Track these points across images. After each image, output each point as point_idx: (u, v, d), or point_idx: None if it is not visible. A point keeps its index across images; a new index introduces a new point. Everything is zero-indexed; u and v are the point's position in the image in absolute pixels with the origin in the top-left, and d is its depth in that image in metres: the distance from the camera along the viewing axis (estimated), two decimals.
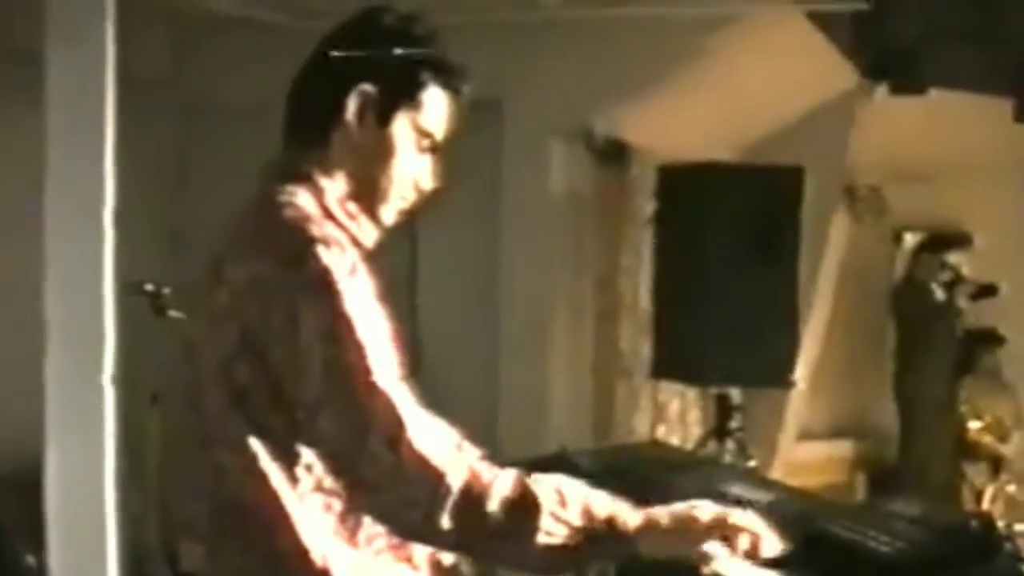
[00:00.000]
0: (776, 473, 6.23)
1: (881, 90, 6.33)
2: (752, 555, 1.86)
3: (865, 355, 7.90)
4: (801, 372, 5.71)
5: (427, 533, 1.83)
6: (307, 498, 1.88)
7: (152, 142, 5.25)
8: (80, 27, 3.22)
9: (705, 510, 1.87)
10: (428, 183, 2.03)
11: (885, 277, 8.02)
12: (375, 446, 1.78)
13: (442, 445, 1.80)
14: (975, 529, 2.22)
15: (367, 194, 1.99)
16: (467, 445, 1.84)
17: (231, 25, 5.37)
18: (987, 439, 7.43)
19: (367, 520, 1.90)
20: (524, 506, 1.80)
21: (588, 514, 1.83)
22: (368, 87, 1.95)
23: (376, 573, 1.93)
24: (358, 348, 1.79)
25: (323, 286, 1.80)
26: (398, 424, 1.78)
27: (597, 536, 1.83)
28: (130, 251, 3.32)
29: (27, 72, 3.31)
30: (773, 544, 1.88)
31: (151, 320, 4.24)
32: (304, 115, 2.01)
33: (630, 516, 1.85)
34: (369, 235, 2.00)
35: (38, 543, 3.41)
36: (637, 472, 2.59)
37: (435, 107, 1.99)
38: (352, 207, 1.98)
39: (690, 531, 1.85)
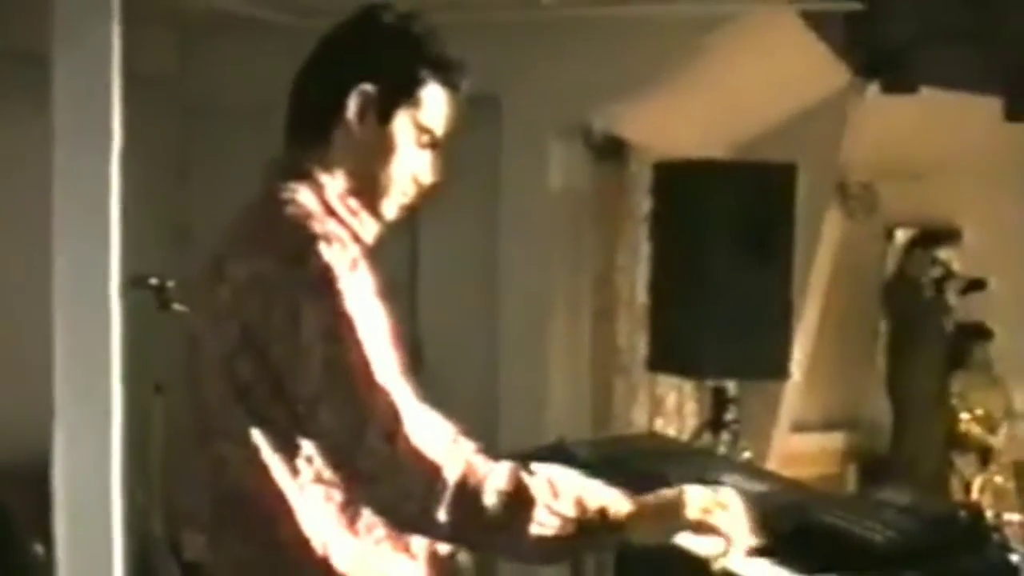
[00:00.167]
0: (770, 464, 6.25)
1: (873, 89, 6.32)
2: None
3: (857, 349, 7.90)
4: (795, 365, 5.74)
5: (424, 525, 1.86)
6: (308, 488, 1.90)
7: (156, 139, 5.26)
8: (86, 29, 3.23)
9: (693, 498, 1.91)
10: (428, 178, 2.05)
11: (877, 273, 8.00)
12: (373, 440, 1.80)
13: (439, 439, 1.82)
14: (964, 518, 2.27)
15: (368, 190, 2.00)
16: (463, 439, 1.86)
17: (234, 25, 5.39)
18: (976, 430, 7.46)
19: (366, 510, 1.92)
20: (519, 499, 1.82)
21: (581, 505, 1.86)
22: (368, 87, 1.97)
23: (375, 562, 1.94)
24: (358, 346, 1.81)
25: (324, 284, 1.82)
26: (395, 418, 1.80)
27: (590, 526, 1.86)
28: (134, 246, 3.34)
29: (33, 74, 3.32)
30: (743, 544, 1.95)
31: (155, 313, 4.26)
32: (305, 114, 2.03)
33: (621, 505, 1.88)
34: (370, 230, 2.02)
35: (45, 533, 3.41)
36: (633, 462, 2.63)
37: (434, 104, 2.01)
38: (353, 203, 2.00)
39: (676, 519, 1.90)
